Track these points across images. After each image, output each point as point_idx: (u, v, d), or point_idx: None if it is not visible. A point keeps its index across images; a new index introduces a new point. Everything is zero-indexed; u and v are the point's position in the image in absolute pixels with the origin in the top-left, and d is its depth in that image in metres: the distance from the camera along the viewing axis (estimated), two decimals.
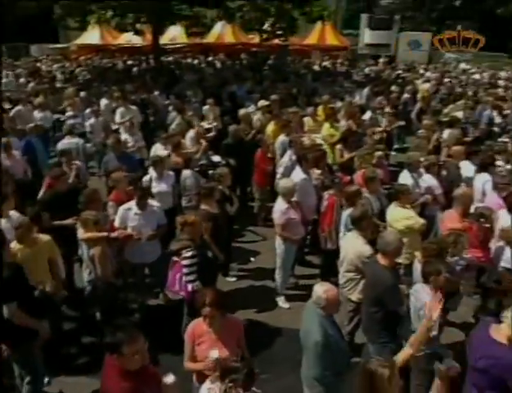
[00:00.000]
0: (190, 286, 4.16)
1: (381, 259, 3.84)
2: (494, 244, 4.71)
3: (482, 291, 4.73)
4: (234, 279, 5.94)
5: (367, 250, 4.13)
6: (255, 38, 21.86)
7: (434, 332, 3.41)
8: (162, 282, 4.77)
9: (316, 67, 19.16)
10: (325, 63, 20.70)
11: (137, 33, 16.83)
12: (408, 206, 5.00)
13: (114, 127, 8.79)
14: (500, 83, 15.60)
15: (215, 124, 8.92)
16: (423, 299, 3.51)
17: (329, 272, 5.51)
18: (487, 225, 4.69)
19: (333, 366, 3.18)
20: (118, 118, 8.95)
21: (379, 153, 6.51)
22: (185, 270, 4.18)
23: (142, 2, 12.92)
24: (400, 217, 4.87)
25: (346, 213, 4.97)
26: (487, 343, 2.83)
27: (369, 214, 4.49)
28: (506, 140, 8.18)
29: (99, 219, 4.43)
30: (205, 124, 8.55)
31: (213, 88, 12.55)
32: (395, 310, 3.68)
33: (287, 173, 6.33)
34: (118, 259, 4.72)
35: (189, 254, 4.16)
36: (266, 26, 19.57)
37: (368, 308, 3.89)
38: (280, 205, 5.17)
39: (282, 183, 5.27)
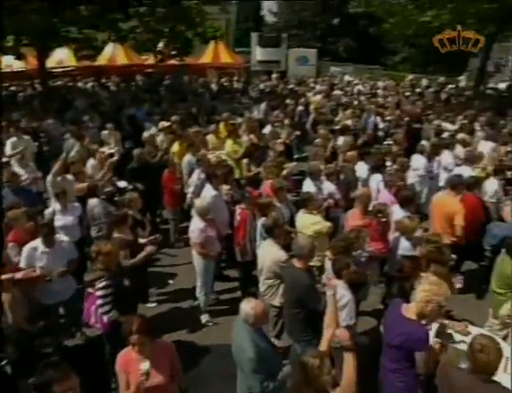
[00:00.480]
0: (105, 318, 4.02)
1: (297, 263, 4.09)
2: (391, 235, 5.26)
3: (387, 279, 5.26)
4: (154, 304, 5.82)
5: (283, 255, 4.37)
6: (150, 59, 21.64)
7: (351, 321, 3.75)
8: (78, 319, 4.52)
9: (213, 85, 19.53)
10: (221, 81, 21.19)
11: (19, 57, 15.62)
12: (314, 212, 5.36)
13: (5, 159, 8.07)
14: (379, 92, 17.35)
15: (117, 148, 8.68)
16: (339, 293, 3.82)
17: (248, 283, 5.70)
18: (384, 219, 5.24)
19: (270, 376, 3.27)
20: (8, 149, 8.22)
21: (290, 165, 6.93)
22: (99, 301, 4.03)
23: (24, 23, 11.98)
24: (308, 223, 5.20)
25: (260, 223, 5.20)
26: (400, 321, 3.21)
27: (280, 222, 4.73)
28: (390, 142, 9.18)
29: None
30: (107, 150, 8.26)
31: (111, 112, 12.17)
32: (315, 308, 3.94)
33: (197, 191, 6.41)
34: (30, 303, 4.38)
35: (103, 284, 4.03)
36: (160, 47, 19.45)
37: (290, 310, 4.10)
38: (197, 224, 5.22)
39: (198, 203, 5.32)
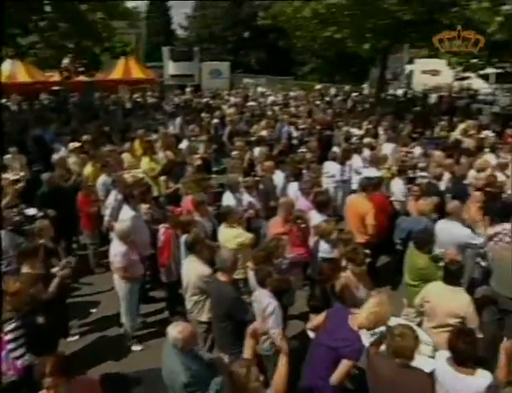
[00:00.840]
0: (19, 362, 3.72)
1: (221, 276, 4.12)
2: (312, 240, 5.49)
3: (310, 283, 5.47)
4: (76, 337, 5.46)
5: (206, 270, 4.36)
6: (55, 76, 20.45)
7: (279, 328, 3.85)
8: None
9: (126, 102, 18.99)
10: (134, 96, 20.68)
11: None
12: (236, 225, 5.41)
13: None
14: (292, 102, 18.09)
15: (23, 173, 8.05)
16: (264, 302, 3.90)
17: (175, 303, 5.59)
18: (304, 225, 5.46)
19: None
20: None
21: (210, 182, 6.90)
22: (10, 346, 3.71)
23: None
24: (231, 236, 5.22)
25: (182, 241, 5.15)
26: (345, 328, 3.37)
27: (201, 237, 4.73)
28: (305, 150, 9.59)
29: None
30: (11, 176, 7.64)
31: (14, 135, 11.27)
32: (243, 320, 3.98)
33: (115, 213, 6.16)
34: None
35: (12, 326, 3.73)
36: (65, 63, 18.45)
37: (218, 324, 4.12)
38: (118, 248, 5.01)
39: (117, 226, 5.12)
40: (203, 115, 13.59)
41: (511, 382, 3.41)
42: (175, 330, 3.20)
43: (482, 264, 5.69)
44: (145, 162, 8.12)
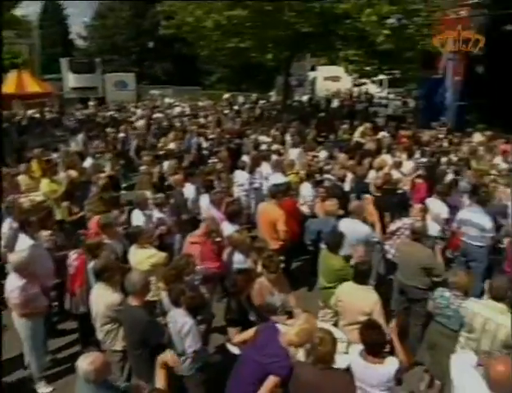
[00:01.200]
0: None
1: (133, 301, 3.94)
2: (226, 251, 5.48)
3: (227, 295, 5.45)
4: None
5: (116, 298, 4.13)
6: None
7: (198, 346, 3.78)
8: None
9: (21, 118, 17.52)
10: (30, 112, 19.13)
11: None
12: (148, 245, 5.19)
13: None
14: (200, 112, 18.04)
15: None
16: (180, 321, 3.80)
17: (88, 333, 5.21)
18: (218, 238, 5.42)
19: None
20: None
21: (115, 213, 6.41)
22: None
23: None
24: (143, 258, 5.00)
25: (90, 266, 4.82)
26: (274, 344, 3.39)
27: (111, 263, 4.47)
28: (215, 160, 9.59)
29: None
30: None
31: None
32: (159, 343, 3.85)
33: (10, 243, 5.59)
34: None
35: None
36: None
37: (134, 351, 3.94)
38: (15, 282, 4.50)
39: (13, 258, 4.61)
40: (108, 129, 12.96)
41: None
42: (85, 361, 3.02)
43: (388, 257, 6.15)
44: (44, 184, 7.52)
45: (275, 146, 10.00)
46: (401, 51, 15.33)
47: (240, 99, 24.58)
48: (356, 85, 26.29)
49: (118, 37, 39.27)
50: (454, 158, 9.72)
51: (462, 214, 6.45)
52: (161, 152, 9.77)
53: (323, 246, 5.38)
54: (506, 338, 3.76)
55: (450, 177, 8.32)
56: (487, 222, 6.13)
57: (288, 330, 3.46)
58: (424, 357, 4.77)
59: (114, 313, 4.07)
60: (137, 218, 6.08)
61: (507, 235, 6.24)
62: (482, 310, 3.96)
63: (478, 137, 12.08)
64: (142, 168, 8.56)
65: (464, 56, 15.53)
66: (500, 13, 14.66)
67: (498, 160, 9.90)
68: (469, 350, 3.99)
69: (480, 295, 5.59)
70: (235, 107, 20.25)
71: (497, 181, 7.93)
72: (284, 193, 6.50)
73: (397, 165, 8.54)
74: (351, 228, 5.59)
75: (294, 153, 9.56)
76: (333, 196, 6.54)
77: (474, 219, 6.20)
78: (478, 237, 6.15)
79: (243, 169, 8.43)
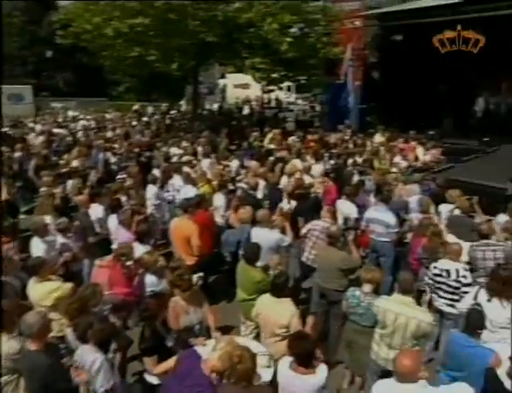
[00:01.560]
0: None
1: (31, 345, 3.53)
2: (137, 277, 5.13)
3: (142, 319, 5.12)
4: None
5: (13, 346, 3.64)
6: None
7: (110, 384, 3.48)
8: None
9: None
10: None
11: None
12: (51, 276, 4.73)
13: None
14: (108, 125, 17.13)
15: None
16: (89, 359, 3.49)
17: None
18: (129, 262, 5.07)
19: None
20: None
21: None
22: None
23: None
24: (45, 292, 4.51)
25: None
26: (196, 373, 3.24)
27: (7, 305, 3.97)
28: (124, 176, 9.08)
29: None
30: None
31: None
32: (66, 388, 3.49)
33: None
34: None
35: None
36: None
37: None
38: None
39: None
40: (2, 148, 11.71)
41: None
42: None
43: (302, 259, 6.27)
44: None
45: (185, 158, 9.77)
46: (305, 59, 15.94)
47: (150, 109, 23.88)
48: (265, 92, 26.93)
49: (10, 45, 36.02)
50: (359, 159, 10.25)
51: (369, 213, 6.81)
52: (64, 171, 9.04)
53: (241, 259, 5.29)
54: (416, 329, 3.98)
55: (356, 178, 8.76)
56: (391, 218, 6.53)
57: (210, 355, 3.32)
58: (344, 355, 4.91)
59: (11, 362, 3.60)
60: (36, 246, 5.51)
61: (410, 229, 6.70)
62: (392, 306, 4.16)
63: (378, 138, 12.92)
64: (42, 189, 7.82)
65: (362, 63, 16.66)
66: (390, 24, 15.97)
67: (398, 158, 10.67)
68: (384, 346, 4.18)
69: (391, 287, 5.95)
70: (145, 118, 19.57)
71: (398, 179, 8.50)
72: (196, 206, 6.34)
73: (307, 170, 8.79)
74: (261, 236, 5.60)
75: (205, 163, 9.43)
76: (246, 205, 6.52)
77: (380, 217, 6.57)
78: (385, 234, 6.53)
79: (154, 183, 8.09)
